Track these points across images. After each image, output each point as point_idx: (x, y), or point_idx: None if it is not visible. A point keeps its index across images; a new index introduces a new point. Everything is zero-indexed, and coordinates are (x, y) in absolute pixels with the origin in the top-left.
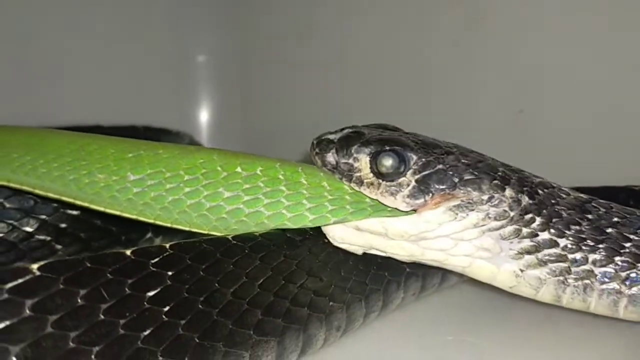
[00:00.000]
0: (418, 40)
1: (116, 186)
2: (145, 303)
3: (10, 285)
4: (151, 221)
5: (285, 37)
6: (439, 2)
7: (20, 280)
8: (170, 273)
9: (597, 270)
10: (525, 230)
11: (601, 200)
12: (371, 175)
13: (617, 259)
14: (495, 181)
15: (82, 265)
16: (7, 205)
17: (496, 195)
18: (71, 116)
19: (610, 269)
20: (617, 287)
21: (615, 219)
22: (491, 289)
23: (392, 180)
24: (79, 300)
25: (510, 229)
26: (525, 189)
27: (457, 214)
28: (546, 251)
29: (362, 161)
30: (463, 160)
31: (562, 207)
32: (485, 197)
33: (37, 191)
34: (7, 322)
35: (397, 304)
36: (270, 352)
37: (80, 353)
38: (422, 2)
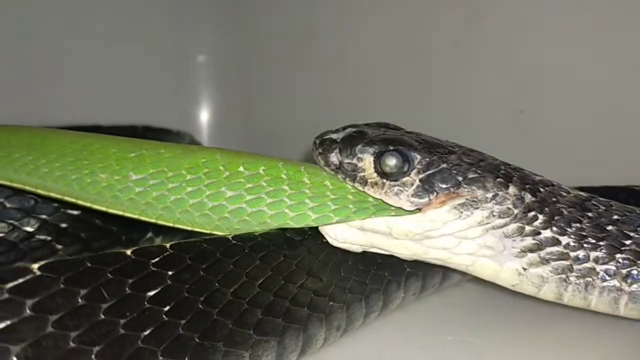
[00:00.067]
0: (418, 40)
1: (118, 186)
2: (145, 303)
3: (10, 285)
4: (153, 221)
5: (285, 37)
6: (439, 2)
7: (20, 280)
8: (170, 273)
9: (598, 268)
10: (528, 228)
11: (601, 198)
12: (375, 175)
13: (618, 256)
14: (499, 179)
15: (82, 265)
16: (8, 205)
17: (500, 193)
18: (71, 116)
19: (611, 266)
20: (618, 284)
21: (615, 217)
22: (492, 289)
23: (396, 180)
24: (80, 300)
25: (513, 226)
26: (527, 186)
27: (461, 212)
28: (548, 249)
29: (366, 161)
30: (466, 159)
31: (563, 205)
32: (489, 195)
33: (39, 191)
34: (8, 322)
35: (398, 304)
36: (270, 351)
37: (81, 353)
38: (422, 2)
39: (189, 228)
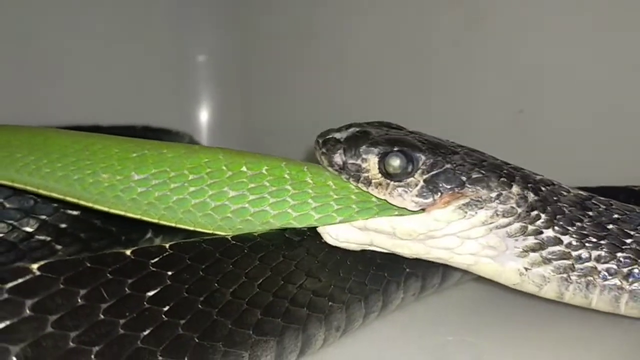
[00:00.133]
0: (418, 40)
1: (120, 186)
2: (145, 303)
3: (10, 285)
4: (155, 221)
5: (285, 37)
6: (439, 2)
7: (20, 280)
8: (170, 273)
9: (600, 267)
10: (530, 228)
11: (600, 197)
12: (379, 175)
13: (619, 255)
14: (502, 179)
15: (82, 265)
16: (7, 205)
17: (504, 193)
18: (71, 116)
19: (612, 265)
20: (619, 283)
21: (616, 216)
22: (491, 289)
23: (401, 181)
24: (79, 300)
25: (516, 226)
26: (529, 185)
27: (466, 212)
28: (550, 249)
29: (371, 162)
30: (469, 160)
31: (564, 204)
32: (493, 195)
33: (40, 191)
34: (7, 322)
35: (397, 304)
36: (270, 352)
37: (80, 353)
38: (422, 2)
39: (191, 228)
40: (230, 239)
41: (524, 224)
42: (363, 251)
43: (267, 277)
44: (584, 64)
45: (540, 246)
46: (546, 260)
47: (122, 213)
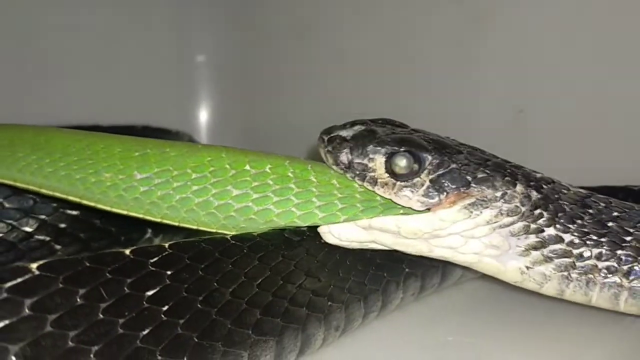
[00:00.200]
0: (418, 39)
1: (123, 185)
2: (144, 302)
3: (9, 284)
4: (158, 220)
5: (285, 37)
6: (440, 2)
7: (19, 280)
8: (169, 272)
9: (600, 265)
10: (532, 226)
11: (600, 195)
12: (386, 175)
13: (619, 252)
14: (506, 178)
15: (81, 265)
16: (7, 205)
17: (508, 192)
18: (71, 116)
19: (612, 262)
20: (619, 280)
21: (615, 213)
22: (491, 288)
23: (407, 180)
24: (78, 300)
25: (520, 225)
26: (531, 183)
27: (471, 211)
28: (551, 247)
29: (377, 161)
30: (473, 159)
31: (565, 202)
32: (498, 194)
33: (43, 190)
34: (7, 321)
35: (397, 304)
36: (269, 351)
37: (80, 352)
38: (422, 1)
39: (195, 227)
40: (229, 238)
41: (526, 223)
42: (362, 251)
43: (267, 276)
44: (584, 63)
45: (542, 244)
46: (547, 259)
47: (125, 212)
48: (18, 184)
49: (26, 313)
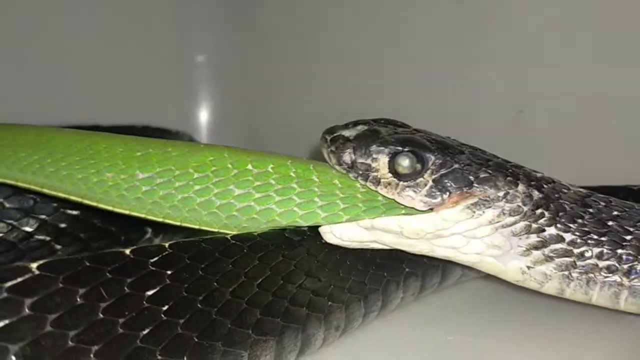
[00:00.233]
0: (418, 39)
1: (125, 185)
2: (144, 302)
3: (9, 284)
4: (160, 220)
5: (285, 37)
6: (440, 2)
7: (19, 279)
8: (169, 272)
9: (601, 264)
10: (534, 226)
11: (600, 195)
12: (389, 175)
13: (619, 251)
14: (508, 177)
15: (81, 265)
16: (7, 205)
17: (511, 192)
18: (71, 116)
19: (613, 262)
20: (619, 279)
21: (616, 212)
22: (491, 288)
23: (410, 180)
24: (78, 299)
25: (522, 224)
26: (532, 183)
27: (474, 211)
28: (552, 246)
29: (381, 161)
30: (475, 159)
31: (566, 201)
32: (500, 194)
33: (45, 190)
34: (7, 321)
35: (397, 304)
36: (269, 351)
37: (79, 352)
38: (422, 1)
39: (197, 227)
40: (229, 238)
41: (528, 223)
42: (363, 251)
43: (267, 276)
44: (584, 63)
45: (543, 244)
46: (548, 258)
47: (127, 212)
48: (20, 184)
49: (26, 313)
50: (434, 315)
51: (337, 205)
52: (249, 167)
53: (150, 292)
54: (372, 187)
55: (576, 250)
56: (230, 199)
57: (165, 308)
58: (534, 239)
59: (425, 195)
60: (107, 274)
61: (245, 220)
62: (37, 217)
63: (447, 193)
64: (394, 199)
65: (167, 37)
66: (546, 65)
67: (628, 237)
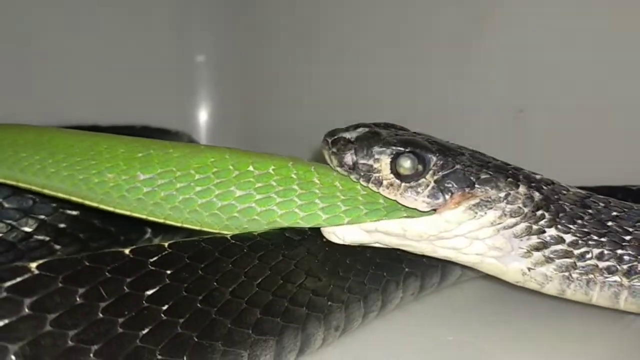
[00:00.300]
0: (418, 39)
1: (126, 186)
2: (143, 302)
3: (9, 283)
4: (161, 221)
5: (285, 37)
6: (440, 2)
7: (19, 279)
8: (169, 272)
9: (601, 265)
10: (534, 227)
11: (599, 195)
12: (391, 176)
13: (619, 252)
14: (509, 179)
15: (80, 264)
16: (6, 205)
17: (512, 193)
18: (71, 116)
19: (613, 262)
20: (619, 279)
21: (615, 213)
22: (491, 288)
23: (412, 181)
24: (78, 299)
25: (522, 226)
26: (533, 184)
27: (476, 212)
28: (553, 247)
29: (383, 162)
30: (475, 161)
31: (565, 202)
32: (502, 195)
33: (45, 191)
34: (6, 321)
35: (396, 304)
36: (269, 351)
37: (79, 351)
38: (422, 1)
39: (198, 228)
40: (229, 238)
41: (529, 224)
42: (362, 251)
43: (267, 276)
44: (584, 64)
45: (544, 245)
46: (549, 260)
47: (128, 213)
48: (20, 184)
49: (26, 312)
50: (434, 315)
51: (338, 207)
52: (250, 168)
53: (149, 292)
54: (374, 189)
55: (576, 251)
56: (232, 200)
57: (164, 308)
58: (534, 240)
59: (428, 196)
60: (107, 274)
61: (246, 221)
62: (37, 217)
63: (449, 193)
64: (396, 201)
65: (167, 37)
66: (546, 65)
67: (627, 238)
